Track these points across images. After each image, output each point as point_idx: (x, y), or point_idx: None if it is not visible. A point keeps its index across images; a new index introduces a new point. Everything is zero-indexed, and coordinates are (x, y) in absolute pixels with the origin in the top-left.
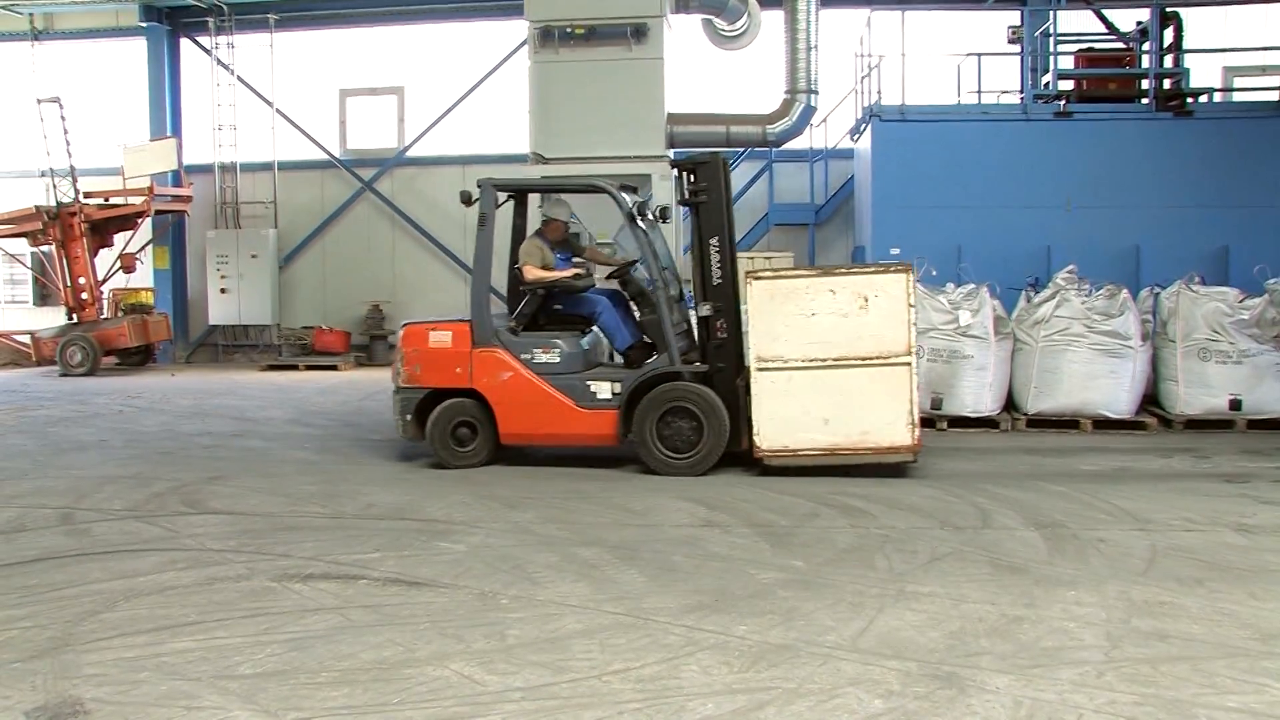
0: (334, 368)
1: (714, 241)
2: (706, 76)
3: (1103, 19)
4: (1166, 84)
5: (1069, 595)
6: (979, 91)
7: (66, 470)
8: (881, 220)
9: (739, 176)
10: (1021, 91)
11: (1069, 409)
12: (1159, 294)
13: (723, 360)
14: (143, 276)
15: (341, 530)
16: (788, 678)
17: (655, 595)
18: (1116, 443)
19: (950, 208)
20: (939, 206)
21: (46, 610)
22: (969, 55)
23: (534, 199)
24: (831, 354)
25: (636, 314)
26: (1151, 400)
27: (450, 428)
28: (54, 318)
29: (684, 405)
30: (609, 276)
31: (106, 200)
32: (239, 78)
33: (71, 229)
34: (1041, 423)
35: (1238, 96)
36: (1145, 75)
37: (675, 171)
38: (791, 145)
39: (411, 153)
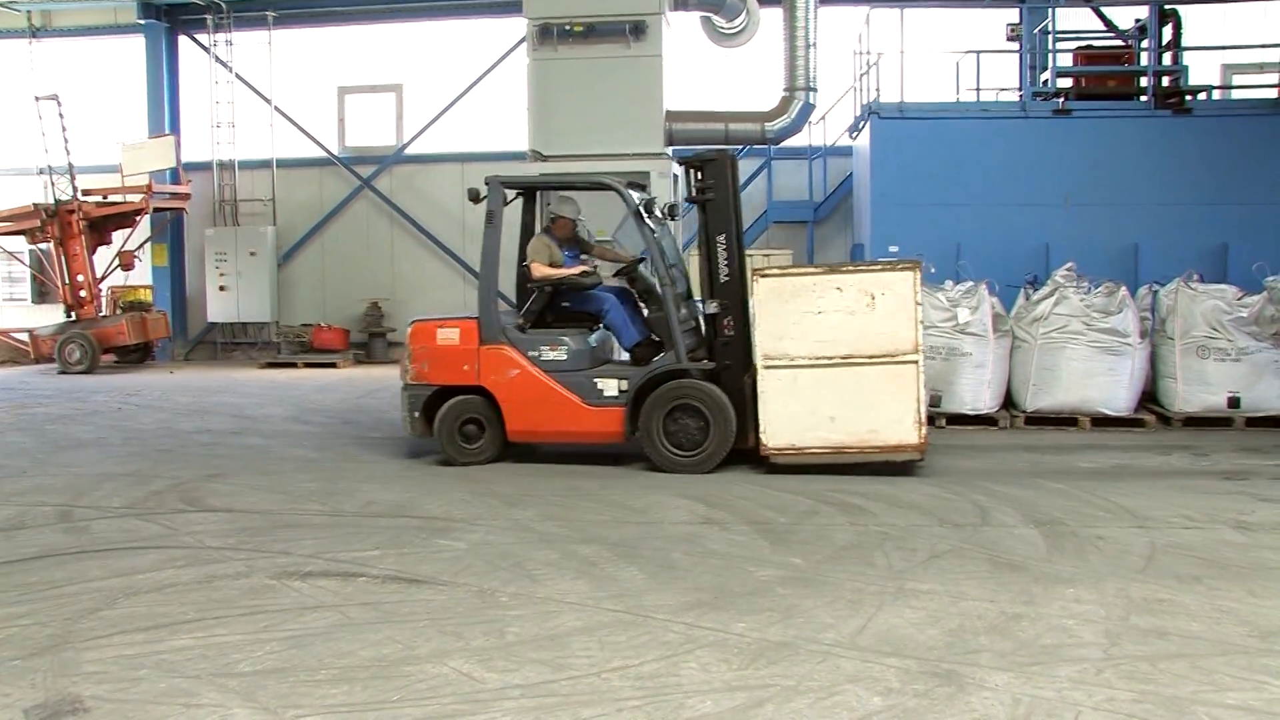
0: (333, 365)
1: (721, 239)
2: (705, 74)
3: (1101, 16)
4: (1165, 81)
5: (1068, 593)
6: (978, 89)
7: (65, 468)
8: (880, 218)
9: None
10: (1020, 89)
11: (1068, 406)
12: (1158, 291)
13: (730, 358)
14: (141, 274)
15: (341, 528)
16: (787, 675)
17: (654, 592)
18: (1115, 440)
19: (949, 205)
20: (938, 204)
21: (46, 608)
22: (968, 53)
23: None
24: (838, 352)
25: (644, 311)
26: (1150, 398)
27: (458, 425)
28: (52, 315)
29: (691, 403)
30: (617, 274)
31: (105, 198)
32: (237, 75)
33: (70, 227)
34: (1040, 420)
35: (1236, 94)
36: (1144, 73)
37: (683, 169)
38: (790, 143)
39: (410, 150)
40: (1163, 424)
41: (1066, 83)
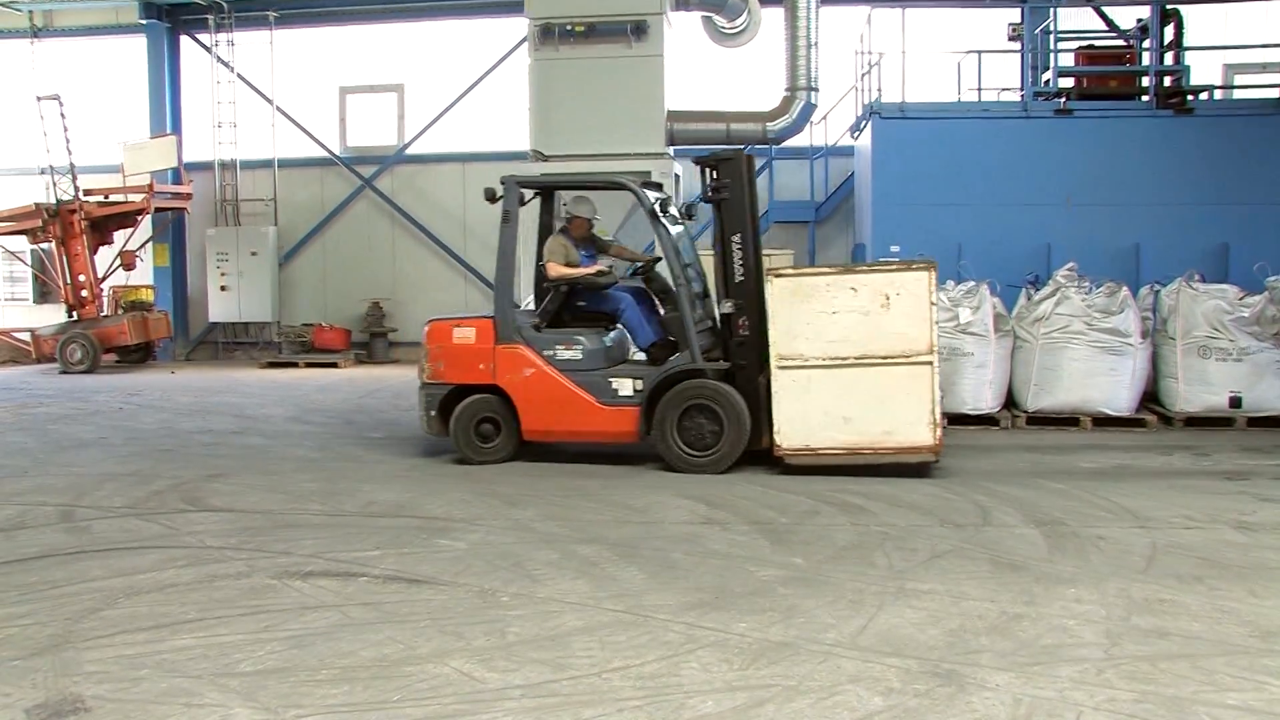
0: (334, 365)
1: (736, 239)
2: (707, 74)
3: (1103, 16)
4: (1167, 81)
5: (1069, 593)
6: (979, 89)
7: (66, 467)
8: (882, 218)
9: None
10: (1022, 89)
11: (1069, 406)
12: (1159, 291)
13: (745, 358)
14: (143, 274)
15: (341, 528)
16: (788, 675)
17: (655, 592)
18: (1116, 440)
19: (950, 205)
20: (939, 204)
21: (47, 608)
22: (969, 53)
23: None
24: (853, 352)
25: (660, 311)
26: (1151, 398)
27: (474, 424)
28: (54, 315)
29: (705, 403)
30: (632, 274)
31: (106, 198)
32: (239, 75)
33: (71, 226)
34: (1041, 420)
35: (1238, 94)
36: (1145, 73)
37: (697, 168)
38: (791, 143)
39: (411, 150)
40: (1164, 424)
41: (1068, 83)
